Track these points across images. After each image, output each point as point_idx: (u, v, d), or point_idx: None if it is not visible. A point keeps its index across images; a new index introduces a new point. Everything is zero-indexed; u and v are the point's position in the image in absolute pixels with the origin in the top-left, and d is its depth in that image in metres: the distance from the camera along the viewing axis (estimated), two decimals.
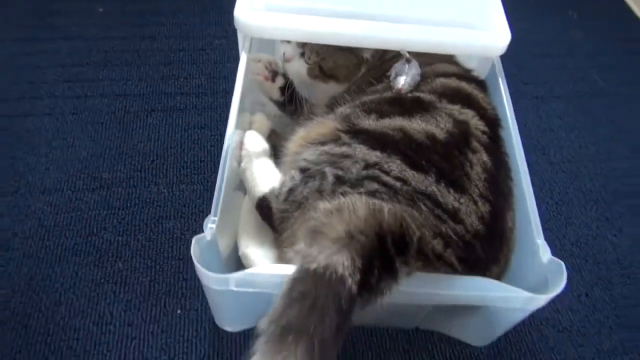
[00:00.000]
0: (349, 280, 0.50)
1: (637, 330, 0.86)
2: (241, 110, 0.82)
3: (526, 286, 0.65)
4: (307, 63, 0.86)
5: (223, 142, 0.72)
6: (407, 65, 0.79)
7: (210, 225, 0.64)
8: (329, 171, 0.66)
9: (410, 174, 0.64)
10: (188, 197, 0.95)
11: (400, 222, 0.56)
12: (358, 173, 0.65)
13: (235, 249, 0.80)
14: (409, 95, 0.76)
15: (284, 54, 0.87)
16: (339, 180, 0.65)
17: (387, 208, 0.57)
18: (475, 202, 0.65)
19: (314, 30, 0.81)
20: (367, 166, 0.65)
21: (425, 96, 0.75)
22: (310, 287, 0.49)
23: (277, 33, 0.84)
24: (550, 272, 0.66)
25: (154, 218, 0.92)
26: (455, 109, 0.73)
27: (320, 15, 0.81)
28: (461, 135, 0.70)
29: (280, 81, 0.91)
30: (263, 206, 0.73)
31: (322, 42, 0.85)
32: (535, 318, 0.86)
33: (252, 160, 0.76)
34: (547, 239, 0.94)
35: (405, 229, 0.56)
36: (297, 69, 0.87)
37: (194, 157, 1.01)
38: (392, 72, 0.80)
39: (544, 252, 0.68)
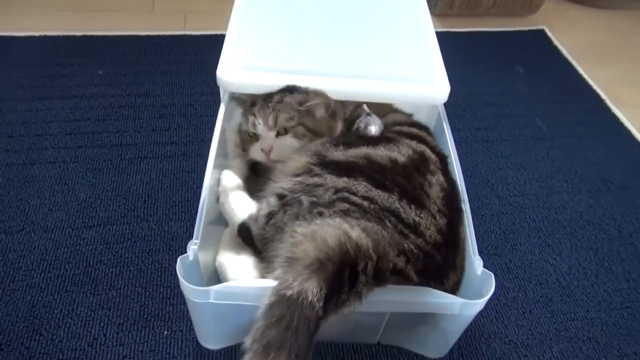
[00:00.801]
0: (317, 305, 0.59)
1: (574, 341, 0.96)
2: (221, 155, 0.96)
3: (467, 295, 0.76)
4: (292, 131, 0.90)
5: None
6: (371, 118, 0.93)
7: (193, 246, 0.76)
8: (305, 199, 0.75)
9: (375, 193, 0.73)
10: (176, 232, 1.06)
11: (365, 249, 0.65)
12: (330, 198, 0.74)
13: (216, 275, 0.90)
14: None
15: (262, 150, 0.91)
16: (313, 205, 0.74)
17: (355, 234, 0.65)
18: (434, 216, 0.74)
19: None
20: (337, 191, 0.74)
21: (389, 135, 0.88)
22: (286, 311, 0.58)
23: (253, 88, 0.98)
24: (483, 282, 0.78)
25: (145, 251, 1.02)
26: (413, 143, 0.85)
27: (289, 73, 0.96)
28: (421, 160, 0.81)
29: None
30: (243, 231, 0.83)
31: None
32: (484, 332, 0.95)
33: (228, 193, 0.88)
34: (496, 263, 1.08)
35: (367, 255, 0.65)
36: (289, 142, 0.90)
37: (182, 197, 1.13)
38: (361, 125, 0.92)
39: (478, 266, 0.79)
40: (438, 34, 1.10)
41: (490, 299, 0.74)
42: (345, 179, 0.75)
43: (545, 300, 1.02)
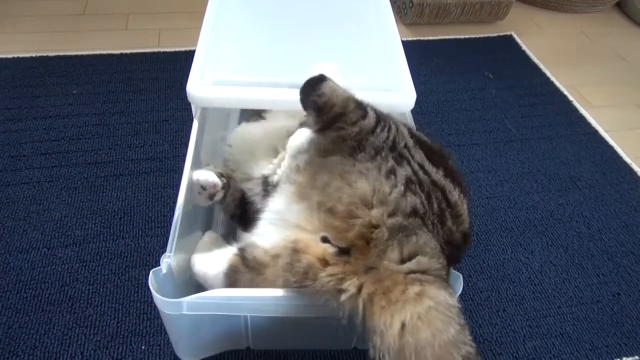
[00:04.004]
0: None
1: (547, 338, 0.98)
2: (196, 166, 0.97)
3: None
4: None
5: None
6: None
7: (166, 259, 0.76)
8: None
9: (428, 165, 0.72)
10: (152, 248, 1.07)
11: None
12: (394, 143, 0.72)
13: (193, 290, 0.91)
14: None
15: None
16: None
17: None
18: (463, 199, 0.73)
19: (254, 99, 0.96)
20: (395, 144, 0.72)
21: None
22: None
23: (223, 103, 1.00)
24: (452, 283, 0.80)
25: (121, 268, 1.03)
26: None
27: (259, 86, 0.98)
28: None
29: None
30: None
31: (262, 107, 1.02)
32: None
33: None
34: (469, 264, 1.10)
35: None
36: None
37: (158, 212, 1.14)
38: None
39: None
40: (409, 43, 1.13)
41: (464, 300, 0.76)
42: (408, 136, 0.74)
43: (518, 298, 1.04)
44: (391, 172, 0.67)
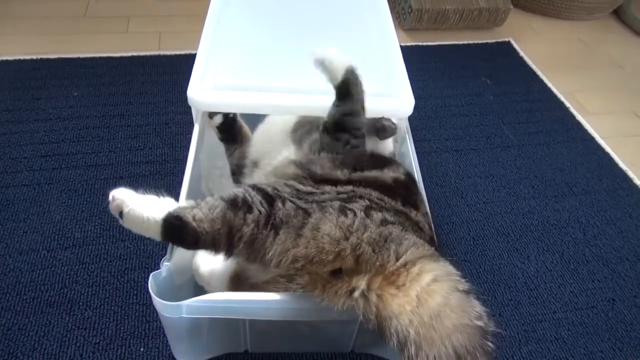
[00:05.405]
0: None
1: (542, 342, 0.99)
2: (196, 173, 0.98)
3: None
4: None
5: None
6: None
7: (166, 263, 0.77)
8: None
9: (386, 199, 0.77)
10: (151, 250, 1.07)
11: None
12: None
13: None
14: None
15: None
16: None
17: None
18: (424, 215, 0.82)
19: (253, 104, 0.97)
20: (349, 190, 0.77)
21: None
22: None
23: (224, 107, 1.01)
24: None
25: (120, 270, 1.03)
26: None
27: (258, 91, 0.99)
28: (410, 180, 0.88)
29: (218, 119, 1.05)
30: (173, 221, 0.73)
31: (263, 112, 1.03)
32: None
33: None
34: (466, 269, 1.11)
35: None
36: None
37: None
38: None
39: None
40: (408, 48, 1.14)
41: None
42: (352, 187, 0.78)
43: (514, 303, 1.05)
44: (343, 209, 0.71)
